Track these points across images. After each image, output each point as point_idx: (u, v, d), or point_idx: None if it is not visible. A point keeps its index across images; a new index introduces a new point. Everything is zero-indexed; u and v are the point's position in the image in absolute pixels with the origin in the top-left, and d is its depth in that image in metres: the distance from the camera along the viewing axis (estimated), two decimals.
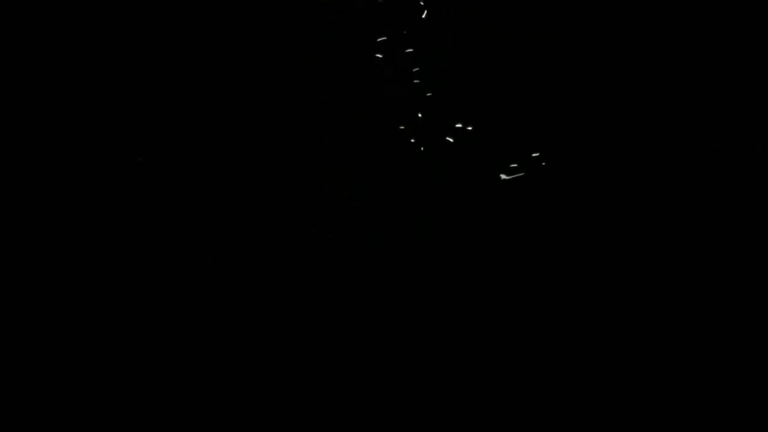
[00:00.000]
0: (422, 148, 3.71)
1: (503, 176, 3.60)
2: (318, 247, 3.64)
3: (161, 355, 3.52)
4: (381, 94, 3.75)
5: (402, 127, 3.73)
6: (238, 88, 3.74)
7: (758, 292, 3.47)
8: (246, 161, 3.69)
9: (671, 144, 3.63)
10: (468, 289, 3.58)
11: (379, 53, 3.75)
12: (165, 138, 3.70)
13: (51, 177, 3.63)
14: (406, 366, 3.52)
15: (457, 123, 3.72)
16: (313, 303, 3.58)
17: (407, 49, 3.76)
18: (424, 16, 3.74)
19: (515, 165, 3.66)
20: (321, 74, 3.75)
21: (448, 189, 3.68)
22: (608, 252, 3.57)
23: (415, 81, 3.75)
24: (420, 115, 3.73)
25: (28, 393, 3.46)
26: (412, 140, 3.72)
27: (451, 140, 3.71)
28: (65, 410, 3.44)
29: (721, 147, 3.54)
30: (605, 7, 3.71)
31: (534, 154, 3.66)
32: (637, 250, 3.56)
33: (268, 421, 3.47)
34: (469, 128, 3.71)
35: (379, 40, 3.75)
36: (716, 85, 3.64)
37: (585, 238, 3.58)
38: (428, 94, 3.74)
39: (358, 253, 3.63)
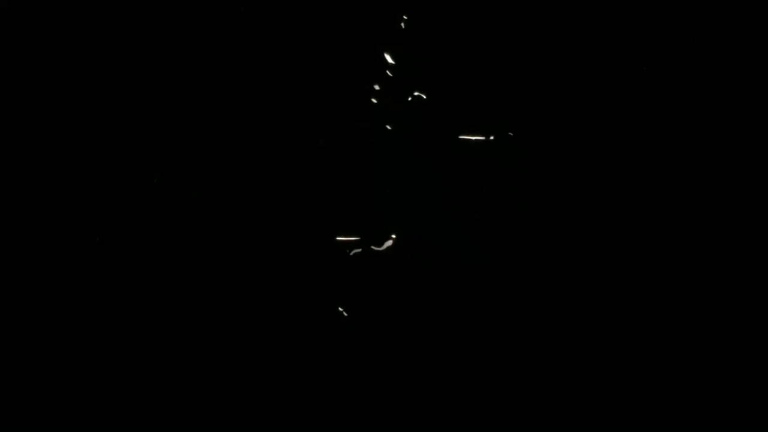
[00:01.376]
0: (419, 149, 3.72)
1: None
2: (311, 246, 3.65)
3: (158, 354, 3.52)
4: (380, 93, 3.76)
5: (398, 127, 3.74)
6: (234, 87, 3.75)
7: (758, 292, 3.48)
8: (241, 160, 3.70)
9: (670, 144, 3.64)
10: (466, 291, 3.59)
11: (378, 53, 3.76)
12: (159, 137, 3.71)
13: (47, 175, 3.64)
14: (402, 369, 3.53)
15: (456, 123, 3.73)
16: (308, 303, 3.59)
17: (408, 48, 3.78)
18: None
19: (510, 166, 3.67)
20: (315, 74, 3.76)
21: (446, 190, 3.69)
22: (608, 253, 3.58)
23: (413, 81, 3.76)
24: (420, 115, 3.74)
25: (21, 392, 3.46)
26: (409, 141, 3.73)
27: (450, 141, 3.72)
28: (57, 409, 3.45)
29: None
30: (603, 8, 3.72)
31: (531, 156, 3.67)
32: (637, 251, 3.56)
33: (265, 422, 3.48)
34: (468, 127, 3.72)
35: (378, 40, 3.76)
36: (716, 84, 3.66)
37: (585, 240, 3.59)
38: (426, 95, 3.75)
39: (353, 253, 3.64)
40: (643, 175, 3.61)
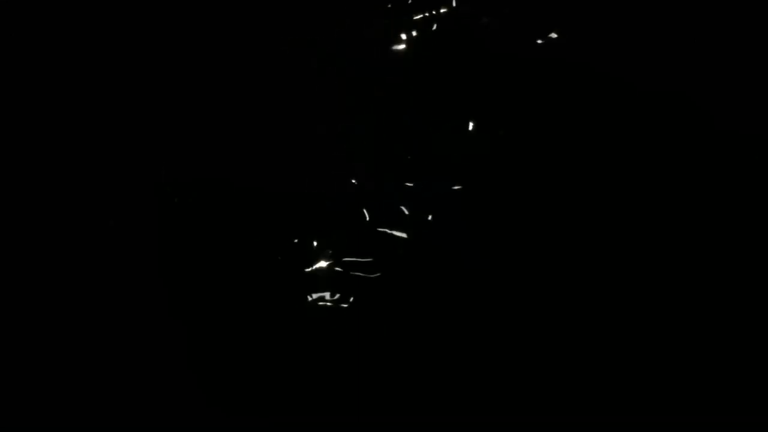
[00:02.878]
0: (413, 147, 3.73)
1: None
2: (311, 246, 3.65)
3: (158, 354, 3.53)
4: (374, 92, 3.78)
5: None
6: (234, 88, 3.76)
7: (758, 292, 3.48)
8: (241, 160, 3.71)
9: (670, 144, 3.64)
10: (463, 290, 3.59)
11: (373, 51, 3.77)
12: (159, 138, 3.72)
13: (47, 176, 3.65)
14: (402, 370, 3.53)
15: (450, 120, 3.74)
16: (307, 303, 3.59)
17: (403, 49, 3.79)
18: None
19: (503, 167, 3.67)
20: (315, 74, 3.77)
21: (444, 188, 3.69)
22: (607, 253, 3.58)
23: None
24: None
25: (21, 392, 3.47)
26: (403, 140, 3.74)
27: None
28: (57, 409, 3.45)
29: None
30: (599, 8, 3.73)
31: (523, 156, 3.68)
32: (637, 252, 3.57)
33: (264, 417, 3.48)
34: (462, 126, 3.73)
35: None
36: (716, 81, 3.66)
37: (585, 241, 3.59)
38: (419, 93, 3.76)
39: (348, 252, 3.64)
40: (643, 176, 3.62)
